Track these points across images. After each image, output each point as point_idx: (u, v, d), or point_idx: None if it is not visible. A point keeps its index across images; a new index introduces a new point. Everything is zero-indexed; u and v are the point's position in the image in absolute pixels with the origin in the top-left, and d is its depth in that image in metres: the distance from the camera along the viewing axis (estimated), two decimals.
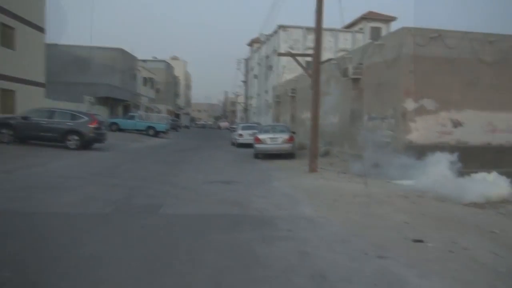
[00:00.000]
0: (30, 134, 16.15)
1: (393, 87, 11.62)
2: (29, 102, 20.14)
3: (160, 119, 34.11)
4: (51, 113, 16.74)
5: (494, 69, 11.15)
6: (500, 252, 4.83)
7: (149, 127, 32.12)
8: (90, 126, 16.49)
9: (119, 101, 38.03)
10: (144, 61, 56.08)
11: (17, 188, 7.99)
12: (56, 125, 16.25)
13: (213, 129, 68.66)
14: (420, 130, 11.13)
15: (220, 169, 12.80)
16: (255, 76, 49.21)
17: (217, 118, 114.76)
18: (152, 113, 40.84)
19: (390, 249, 4.85)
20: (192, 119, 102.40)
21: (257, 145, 16.25)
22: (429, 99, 11.11)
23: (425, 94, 11.06)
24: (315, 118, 12.28)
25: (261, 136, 16.28)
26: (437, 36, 11.06)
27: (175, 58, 78.27)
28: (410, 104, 11.11)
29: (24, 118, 16.18)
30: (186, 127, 65.30)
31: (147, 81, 50.31)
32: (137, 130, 32.08)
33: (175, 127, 46.12)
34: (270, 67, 39.29)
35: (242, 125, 25.36)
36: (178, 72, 72.58)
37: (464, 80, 11.14)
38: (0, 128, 16.25)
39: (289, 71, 34.02)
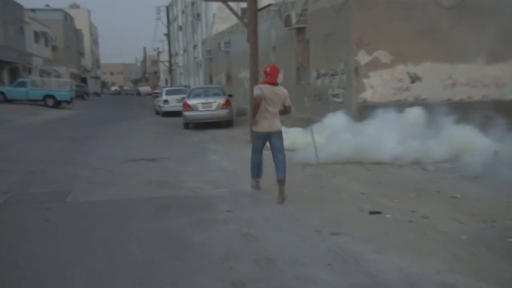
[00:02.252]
0: None
1: (343, 38, 11.93)
2: None
3: (61, 85, 32.45)
4: None
5: (453, 15, 11.81)
6: (461, 218, 5.29)
7: (47, 96, 30.47)
8: None
9: (3, 63, 35.40)
10: (33, 10, 52.53)
11: None
12: None
13: (131, 96, 66.60)
14: (375, 87, 11.61)
15: (142, 144, 12.61)
16: (180, 28, 48.10)
17: (136, 82, 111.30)
18: (50, 78, 38.71)
19: (344, 224, 5.13)
20: (104, 84, 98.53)
21: (187, 113, 16.12)
22: (383, 51, 11.57)
23: (379, 45, 11.50)
24: (254, 77, 12.35)
25: (191, 102, 16.14)
26: None
27: (75, 7, 73.96)
28: (363, 57, 11.50)
29: None
30: (96, 94, 62.83)
31: (39, 36, 47.16)
32: (31, 100, 30.28)
33: (81, 95, 44.19)
34: (197, 16, 38.53)
35: (166, 89, 24.87)
36: (80, 24, 68.82)
37: (421, 28, 11.70)
38: None
39: (221, 20, 33.57)
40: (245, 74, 20.42)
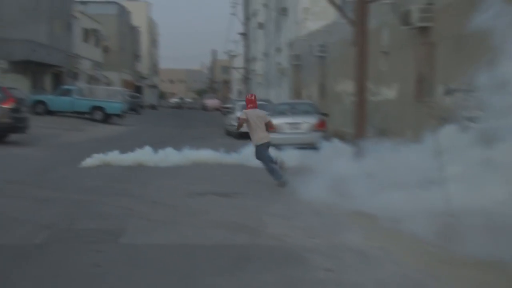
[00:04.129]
0: None
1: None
2: None
3: (112, 94, 34.30)
4: None
5: None
6: None
7: (95, 108, 32.24)
8: (3, 107, 16.55)
9: (46, 66, 37.98)
10: (83, 3, 56.11)
11: None
12: None
13: (195, 110, 68.82)
14: None
15: (211, 173, 12.84)
16: (260, 26, 49.19)
17: (201, 93, 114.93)
18: (99, 86, 41.04)
19: None
20: (162, 95, 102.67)
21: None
22: None
23: None
24: (361, 91, 12.23)
25: (275, 122, 16.22)
26: None
27: None
28: None
29: None
30: (153, 107, 65.61)
31: (89, 34, 50.31)
32: (76, 112, 32.18)
33: (135, 108, 46.26)
34: (283, 11, 39.22)
35: (242, 104, 25.28)
36: (138, 20, 72.62)
37: None
38: None
39: (314, 16, 33.89)
40: (345, 86, 20.32)
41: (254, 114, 11.04)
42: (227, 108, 42.75)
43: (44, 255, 6.01)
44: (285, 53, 39.41)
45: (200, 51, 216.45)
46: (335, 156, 12.31)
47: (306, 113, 16.74)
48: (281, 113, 17.09)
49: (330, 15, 34.03)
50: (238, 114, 23.93)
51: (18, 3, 36.33)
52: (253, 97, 11.43)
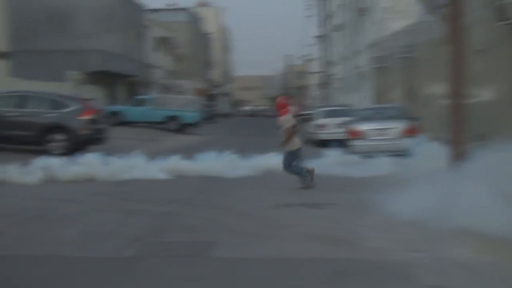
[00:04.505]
0: None
1: None
2: None
3: (186, 103, 34.83)
4: (22, 99, 17.60)
5: None
6: None
7: (170, 118, 32.94)
8: (82, 118, 17.16)
9: (120, 77, 39.36)
10: (154, 11, 57.65)
11: None
12: (30, 118, 17.06)
13: (270, 118, 69.06)
14: None
15: (297, 183, 12.76)
16: (337, 28, 48.93)
17: (274, 100, 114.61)
18: (173, 95, 41.92)
19: None
20: (235, 103, 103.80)
21: (355, 143, 16.07)
22: None
23: None
24: (456, 93, 11.83)
25: (361, 128, 16.09)
26: None
27: (204, 4, 79.81)
28: None
29: None
30: (226, 115, 66.39)
31: (162, 43, 51.65)
32: (151, 122, 33.00)
33: (209, 117, 46.96)
34: (362, 11, 38.87)
35: (323, 110, 25.26)
36: (210, 26, 73.89)
37: None
38: None
39: (396, 16, 33.37)
40: (435, 89, 19.85)
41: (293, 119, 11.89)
42: (307, 114, 42.76)
43: (135, 268, 6.14)
44: (366, 56, 39.02)
45: (276, 56, 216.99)
46: (430, 164, 12.02)
47: (394, 118, 16.44)
48: (367, 119, 16.89)
49: (413, 13, 33.53)
50: (320, 121, 24.10)
51: (91, 14, 37.87)
52: (287, 101, 12.26)
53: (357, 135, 16.06)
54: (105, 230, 7.87)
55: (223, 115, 64.80)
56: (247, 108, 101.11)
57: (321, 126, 23.03)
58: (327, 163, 14.97)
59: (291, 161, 11.62)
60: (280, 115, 11.79)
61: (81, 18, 37.74)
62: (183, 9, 63.80)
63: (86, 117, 17.25)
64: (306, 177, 11.60)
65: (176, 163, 14.15)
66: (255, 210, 9.49)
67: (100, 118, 18.34)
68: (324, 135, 22.82)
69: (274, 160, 15.05)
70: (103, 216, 8.97)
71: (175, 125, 32.87)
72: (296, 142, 11.68)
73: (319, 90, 58.99)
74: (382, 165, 13.84)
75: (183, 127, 33.10)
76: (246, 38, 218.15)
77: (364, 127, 16.13)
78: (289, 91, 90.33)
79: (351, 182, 12.90)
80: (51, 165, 12.78)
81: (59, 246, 6.99)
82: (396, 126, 15.94)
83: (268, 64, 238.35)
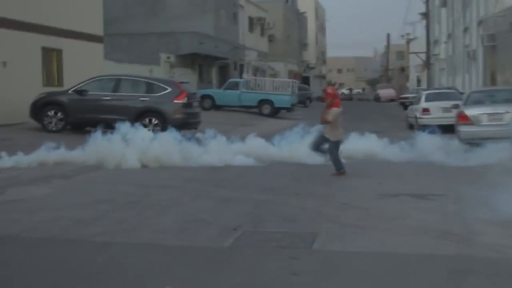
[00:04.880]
0: (88, 117, 17.81)
1: None
2: (84, 67, 22.24)
3: (280, 86, 34.84)
4: (117, 83, 18.19)
5: None
6: None
7: (263, 101, 33.10)
8: (176, 102, 17.54)
9: (212, 59, 39.91)
10: None
11: (78, 204, 8.81)
12: (125, 101, 17.65)
13: (367, 102, 68.19)
14: None
15: (398, 171, 12.64)
16: (443, 4, 47.34)
17: (372, 83, 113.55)
18: (266, 78, 42.05)
19: None
20: (330, 86, 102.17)
21: (464, 128, 15.60)
22: None
23: None
24: None
25: (471, 112, 15.55)
26: None
27: None
28: None
29: (79, 92, 17.90)
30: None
31: (254, 23, 51.91)
32: (243, 106, 33.28)
33: (303, 100, 46.78)
34: None
35: (427, 93, 24.61)
36: (304, 6, 73.43)
37: None
38: (45, 109, 18.23)
39: None
40: None
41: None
42: (409, 98, 41.89)
43: (235, 259, 6.17)
44: (474, 34, 37.51)
45: (371, 37, 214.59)
46: None
47: (510, 101, 15.71)
48: (478, 102, 16.27)
49: None
50: (424, 104, 23.47)
51: None
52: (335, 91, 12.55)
53: (467, 120, 15.48)
54: (201, 218, 8.00)
55: (317, 98, 64.36)
56: (343, 91, 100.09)
57: (426, 110, 22.38)
58: (430, 149, 14.72)
59: (337, 148, 11.81)
60: (328, 107, 11.74)
61: (174, 0, 38.51)
62: None
63: (180, 101, 17.53)
64: (339, 172, 11.72)
65: (267, 149, 14.44)
66: (357, 199, 9.33)
67: (194, 102, 18.61)
68: (427, 119, 22.15)
69: (376, 144, 14.99)
70: (198, 203, 9.11)
71: (268, 109, 32.96)
72: (339, 133, 11.88)
73: (421, 71, 57.48)
74: (493, 153, 13.32)
75: (276, 111, 33.14)
76: (342, 17, 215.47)
77: (474, 111, 15.52)
78: (388, 73, 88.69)
79: (457, 171, 12.51)
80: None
81: (156, 234, 7.15)
82: (511, 111, 15.22)
83: (365, 45, 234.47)
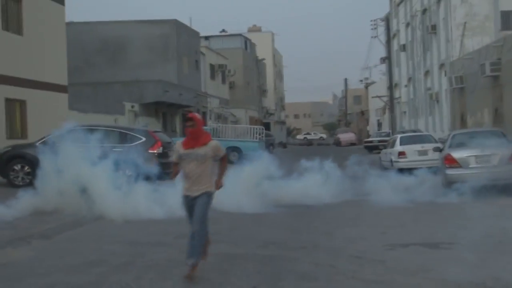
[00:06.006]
0: None
1: None
2: (48, 118, 21.44)
3: (245, 133, 34.39)
4: (88, 133, 17.38)
5: None
6: None
7: (230, 149, 32.51)
8: (151, 152, 16.86)
9: (176, 107, 39.36)
10: (207, 38, 58.01)
11: (69, 267, 8.14)
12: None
13: (327, 146, 68.36)
14: None
15: (396, 218, 12.34)
16: (402, 48, 48.04)
17: (329, 128, 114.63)
18: (230, 125, 41.69)
19: None
20: (290, 132, 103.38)
21: (451, 171, 15.33)
22: None
23: None
24: None
25: (458, 154, 15.30)
26: None
27: (256, 30, 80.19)
28: None
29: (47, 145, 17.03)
30: (283, 145, 65.87)
31: (215, 70, 51.76)
32: None
33: (268, 146, 46.40)
34: (432, 29, 38.06)
35: (401, 136, 24.44)
36: (262, 53, 73.92)
37: None
38: (11, 163, 17.36)
39: (470, 32, 32.51)
40: None
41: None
42: (373, 142, 42.01)
43: None
44: (435, 77, 38.09)
45: (329, 82, 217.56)
46: None
47: (494, 143, 15.51)
48: (462, 145, 16.05)
49: (489, 29, 32.60)
50: (399, 147, 23.27)
51: (147, 44, 38.29)
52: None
53: (454, 162, 15.21)
54: (208, 278, 7.41)
55: (280, 144, 64.17)
56: (301, 136, 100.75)
57: (401, 154, 22.18)
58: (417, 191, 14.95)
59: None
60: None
61: (136, 50, 38.18)
62: (237, 35, 64.00)
63: (155, 150, 16.92)
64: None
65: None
66: (368, 252, 8.79)
67: (169, 151, 17.96)
68: (403, 163, 21.98)
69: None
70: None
71: (236, 156, 32.36)
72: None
73: (383, 115, 58.04)
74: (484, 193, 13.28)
75: (244, 158, 32.60)
76: (297, 63, 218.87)
77: (462, 153, 15.29)
78: (347, 119, 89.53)
79: (453, 213, 12.26)
80: None
81: None
82: (498, 152, 15.02)
83: (320, 90, 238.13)
